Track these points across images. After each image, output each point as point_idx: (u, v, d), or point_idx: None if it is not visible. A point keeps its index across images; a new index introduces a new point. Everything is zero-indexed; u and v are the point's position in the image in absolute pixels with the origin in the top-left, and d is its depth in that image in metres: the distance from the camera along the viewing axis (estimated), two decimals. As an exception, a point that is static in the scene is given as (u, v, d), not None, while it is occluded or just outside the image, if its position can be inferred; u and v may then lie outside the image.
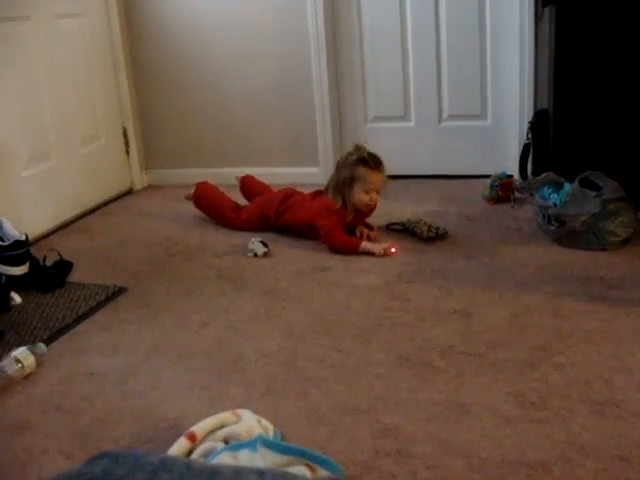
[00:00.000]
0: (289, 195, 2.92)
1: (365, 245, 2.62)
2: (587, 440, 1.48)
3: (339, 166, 2.76)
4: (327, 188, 2.78)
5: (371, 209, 2.78)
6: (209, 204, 3.13)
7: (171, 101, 3.79)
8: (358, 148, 2.74)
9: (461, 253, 2.57)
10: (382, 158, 2.73)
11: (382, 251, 2.58)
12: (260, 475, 0.61)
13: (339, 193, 2.71)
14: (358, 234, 2.75)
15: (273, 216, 2.89)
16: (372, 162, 2.67)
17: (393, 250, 2.60)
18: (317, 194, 2.84)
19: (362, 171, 2.66)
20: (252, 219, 2.95)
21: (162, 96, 3.79)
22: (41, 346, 2.01)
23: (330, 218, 2.69)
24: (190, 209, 3.27)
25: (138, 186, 3.87)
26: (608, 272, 2.31)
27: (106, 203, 3.60)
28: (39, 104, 3.14)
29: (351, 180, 2.68)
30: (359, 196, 2.70)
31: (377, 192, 2.72)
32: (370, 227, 2.83)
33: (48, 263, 2.59)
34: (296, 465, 1.37)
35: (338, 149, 3.61)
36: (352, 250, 2.63)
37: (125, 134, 3.77)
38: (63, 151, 3.30)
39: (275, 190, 3.08)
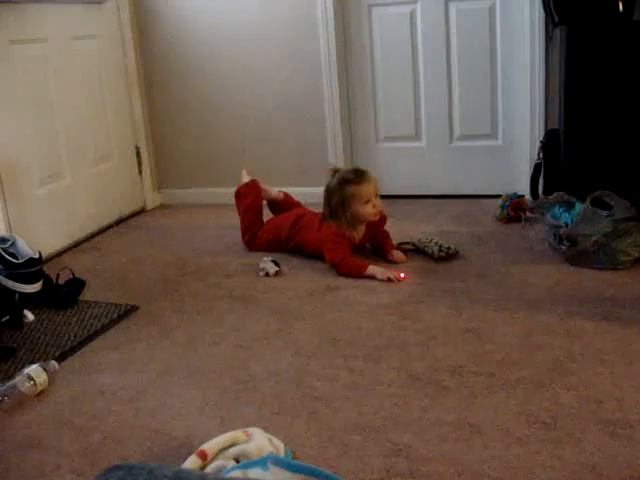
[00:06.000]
0: (299, 217, 2.92)
1: (371, 269, 2.59)
2: (599, 460, 1.47)
3: (328, 194, 2.73)
4: (324, 217, 2.77)
5: (379, 215, 2.74)
6: (243, 209, 3.09)
7: (184, 121, 3.82)
8: (334, 170, 2.77)
9: (472, 273, 2.57)
10: (364, 169, 2.75)
11: (386, 278, 2.54)
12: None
13: (337, 217, 2.70)
14: (389, 257, 2.73)
15: (284, 239, 2.90)
16: (355, 176, 2.68)
17: (402, 275, 2.55)
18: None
19: (351, 189, 2.66)
20: (264, 244, 2.96)
21: (175, 116, 3.83)
22: (53, 364, 2.02)
23: (336, 242, 2.69)
24: (202, 227, 3.28)
25: (150, 205, 3.90)
26: (620, 292, 2.30)
27: (119, 222, 3.63)
28: (52, 123, 3.18)
29: (344, 201, 2.67)
30: (362, 210, 2.68)
31: (376, 197, 2.70)
32: (391, 245, 2.79)
33: (61, 281, 2.60)
34: (307, 484, 1.37)
35: (349, 169, 3.63)
36: (357, 273, 2.60)
37: (138, 154, 3.81)
38: (76, 170, 3.33)
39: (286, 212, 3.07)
